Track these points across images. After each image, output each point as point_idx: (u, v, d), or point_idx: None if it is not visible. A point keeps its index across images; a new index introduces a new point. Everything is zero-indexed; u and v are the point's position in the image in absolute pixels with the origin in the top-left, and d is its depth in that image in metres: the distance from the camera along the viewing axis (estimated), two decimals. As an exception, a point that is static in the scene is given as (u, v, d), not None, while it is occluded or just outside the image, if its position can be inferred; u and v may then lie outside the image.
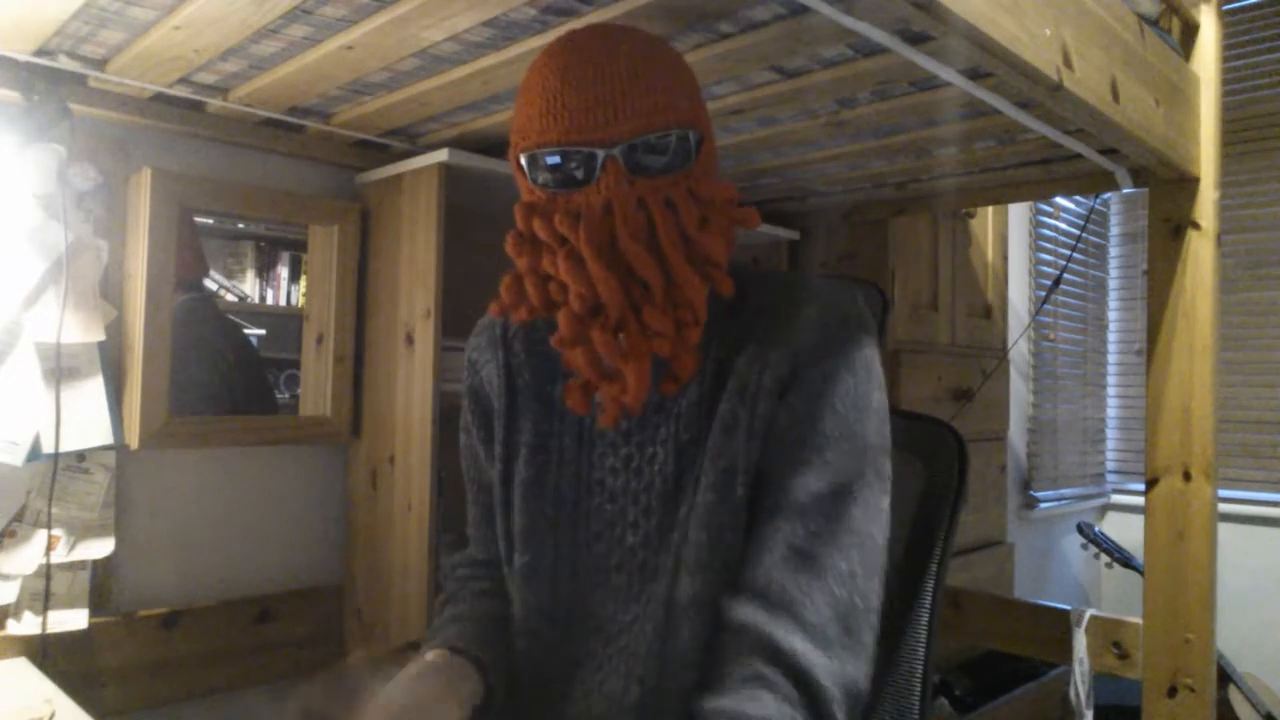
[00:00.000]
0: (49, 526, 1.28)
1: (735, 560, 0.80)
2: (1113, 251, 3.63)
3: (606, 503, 0.87)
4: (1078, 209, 3.38)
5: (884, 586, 0.80)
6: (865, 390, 0.82)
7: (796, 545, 0.77)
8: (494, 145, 1.54)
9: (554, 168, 0.80)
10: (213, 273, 1.70)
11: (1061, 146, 1.46)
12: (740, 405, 0.82)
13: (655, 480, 0.84)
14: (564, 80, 0.78)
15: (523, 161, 0.83)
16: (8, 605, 1.25)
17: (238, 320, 1.69)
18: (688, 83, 0.84)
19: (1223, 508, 1.71)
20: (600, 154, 0.78)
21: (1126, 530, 3.39)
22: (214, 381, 1.53)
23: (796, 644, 0.73)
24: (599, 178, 0.78)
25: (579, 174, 0.79)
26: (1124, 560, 2.49)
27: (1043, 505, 3.12)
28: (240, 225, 1.73)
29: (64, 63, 1.22)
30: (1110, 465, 3.63)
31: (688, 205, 0.80)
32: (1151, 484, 1.52)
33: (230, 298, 1.73)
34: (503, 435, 0.93)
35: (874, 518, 0.80)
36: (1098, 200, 3.48)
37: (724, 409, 0.82)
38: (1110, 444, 3.63)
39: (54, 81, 1.26)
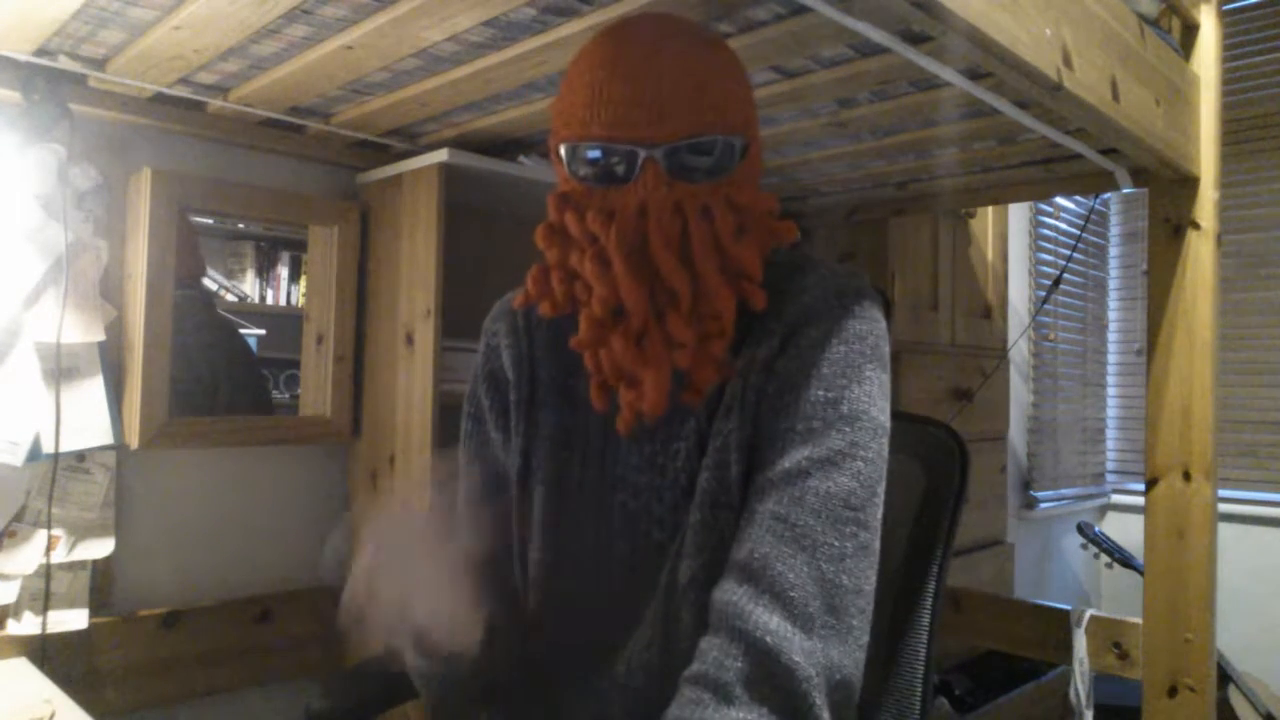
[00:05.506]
0: (49, 526, 1.28)
1: (731, 540, 0.77)
2: (1113, 251, 3.63)
3: (630, 499, 0.84)
4: (1078, 209, 3.38)
5: (877, 573, 0.76)
6: (857, 361, 0.78)
7: (781, 515, 0.73)
8: (494, 145, 1.54)
9: (593, 162, 0.78)
10: (212, 273, 1.70)
11: (1061, 146, 1.46)
12: (739, 383, 0.80)
13: (679, 477, 0.82)
14: (612, 71, 0.76)
15: (562, 152, 0.80)
16: (8, 605, 1.25)
17: (233, 319, 1.68)
18: (741, 84, 0.81)
19: (1223, 508, 1.71)
20: (641, 153, 0.75)
21: (1126, 530, 3.39)
22: (202, 379, 1.52)
23: (774, 622, 0.69)
24: (638, 177, 0.75)
25: (619, 170, 0.77)
26: (1124, 560, 2.48)
27: (1043, 505, 3.12)
28: (240, 225, 1.73)
29: (64, 63, 1.22)
30: (1110, 465, 3.63)
31: (725, 215, 0.77)
32: (1151, 484, 1.52)
33: (230, 298, 1.73)
34: (523, 427, 0.90)
35: (868, 494, 0.75)
36: (1098, 200, 3.48)
37: (727, 391, 0.80)
38: (1110, 444, 3.63)
39: (54, 81, 1.26)
